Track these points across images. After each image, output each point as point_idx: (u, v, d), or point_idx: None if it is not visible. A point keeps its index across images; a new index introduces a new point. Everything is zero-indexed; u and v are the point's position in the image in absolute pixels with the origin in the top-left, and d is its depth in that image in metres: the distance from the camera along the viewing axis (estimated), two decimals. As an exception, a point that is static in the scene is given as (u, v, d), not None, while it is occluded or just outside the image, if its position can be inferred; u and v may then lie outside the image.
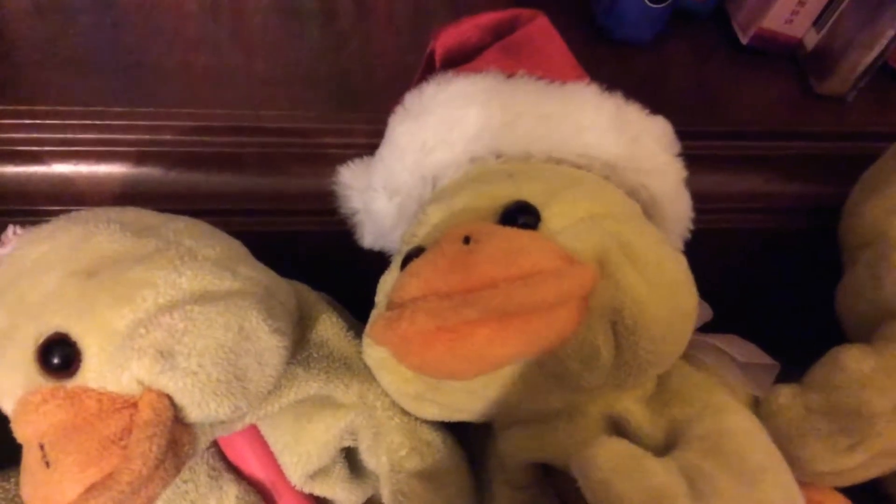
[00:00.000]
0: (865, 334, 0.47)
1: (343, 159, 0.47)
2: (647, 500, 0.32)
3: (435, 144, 0.40)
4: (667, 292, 0.35)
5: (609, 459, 0.33)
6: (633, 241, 0.35)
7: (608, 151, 0.39)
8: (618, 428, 0.39)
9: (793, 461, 0.47)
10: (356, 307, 0.45)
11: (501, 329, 0.32)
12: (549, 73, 0.41)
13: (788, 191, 0.54)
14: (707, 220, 0.53)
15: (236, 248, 0.38)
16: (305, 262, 0.47)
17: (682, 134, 0.53)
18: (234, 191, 0.49)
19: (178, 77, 0.52)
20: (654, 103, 0.55)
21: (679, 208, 0.42)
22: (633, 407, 0.39)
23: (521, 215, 0.36)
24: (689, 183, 0.52)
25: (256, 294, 0.35)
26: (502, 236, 0.34)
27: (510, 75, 0.40)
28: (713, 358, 0.43)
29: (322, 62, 0.55)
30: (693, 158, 0.53)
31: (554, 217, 0.36)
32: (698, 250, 0.53)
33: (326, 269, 0.48)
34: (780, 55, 0.57)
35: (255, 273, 0.37)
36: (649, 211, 0.42)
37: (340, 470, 0.43)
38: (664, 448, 0.38)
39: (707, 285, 0.49)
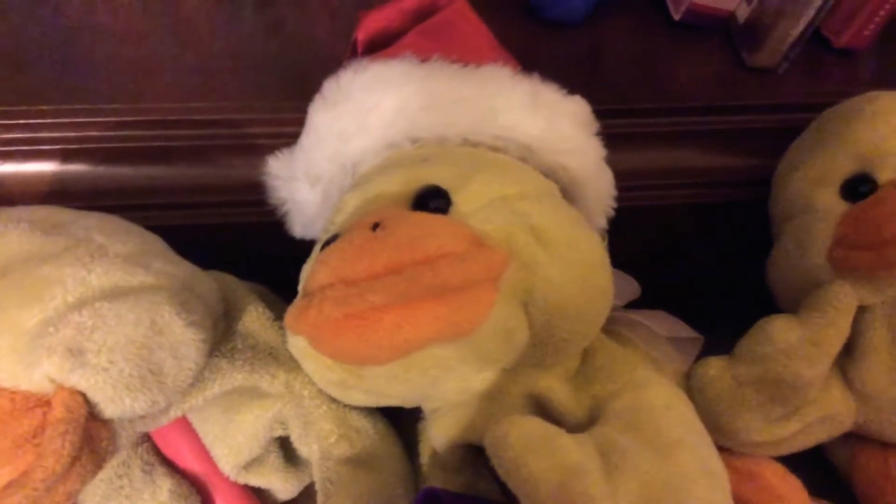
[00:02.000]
0: (795, 305, 0.47)
1: (273, 149, 0.47)
2: (559, 477, 0.32)
3: (353, 132, 0.40)
4: (579, 271, 0.35)
5: (521, 438, 0.33)
6: (544, 222, 0.35)
7: (524, 133, 0.39)
8: (541, 407, 0.40)
9: (727, 433, 0.48)
10: (293, 298, 0.45)
11: (409, 314, 0.32)
12: (465, 56, 0.41)
13: (723, 164, 0.54)
14: (642, 197, 0.54)
15: (151, 242, 0.38)
16: (239, 253, 0.47)
17: (616, 112, 0.54)
18: (163, 184, 0.49)
19: (106, 72, 0.52)
20: (590, 82, 0.55)
21: (600, 186, 0.42)
22: (555, 385, 0.39)
23: (431, 200, 0.36)
24: (625, 160, 0.52)
25: (170, 288, 0.35)
26: (411, 222, 0.34)
27: (425, 59, 0.40)
28: (638, 334, 0.43)
29: (255, 49, 0.55)
30: (628, 136, 0.54)
31: (465, 200, 0.36)
32: (632, 226, 0.54)
33: (262, 260, 0.48)
34: (712, 29, 0.57)
35: (170, 267, 0.37)
36: (570, 190, 0.42)
37: (275, 460, 0.43)
38: (587, 425, 0.38)
39: (639, 261, 0.50)
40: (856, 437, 0.53)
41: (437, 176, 0.36)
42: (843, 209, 0.46)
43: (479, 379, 0.39)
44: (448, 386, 0.39)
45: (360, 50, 0.45)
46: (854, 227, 0.44)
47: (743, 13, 0.56)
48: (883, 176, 0.45)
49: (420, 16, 0.44)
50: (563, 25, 0.57)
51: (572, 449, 0.33)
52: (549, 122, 0.40)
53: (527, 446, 0.33)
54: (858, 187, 0.46)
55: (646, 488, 0.34)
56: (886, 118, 0.47)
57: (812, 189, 0.47)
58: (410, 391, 0.39)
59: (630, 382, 0.39)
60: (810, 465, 0.56)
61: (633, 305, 0.47)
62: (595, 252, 0.37)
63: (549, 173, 0.41)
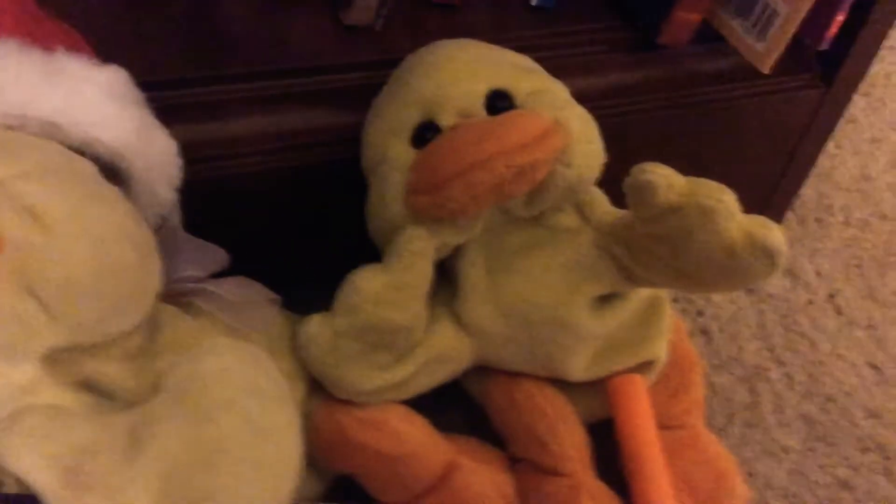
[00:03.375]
0: (388, 254, 0.49)
1: None
2: (68, 461, 0.31)
3: None
4: (87, 248, 0.34)
5: (27, 430, 0.32)
6: (43, 201, 0.34)
7: (40, 108, 0.37)
8: (97, 391, 0.38)
9: (340, 385, 0.48)
10: None
11: None
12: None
13: (327, 124, 0.55)
14: (246, 164, 0.53)
15: None
16: None
17: (212, 78, 0.53)
18: None
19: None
20: (187, 48, 0.54)
21: (150, 157, 0.41)
22: (105, 367, 0.38)
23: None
24: (218, 128, 0.52)
25: None
26: None
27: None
28: (215, 303, 0.43)
29: None
30: (227, 102, 0.53)
31: (-48, 186, 0.33)
32: (234, 196, 0.53)
33: None
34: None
35: None
36: (119, 165, 0.41)
37: None
38: (152, 402, 0.38)
39: (241, 229, 0.50)
40: (487, 370, 0.56)
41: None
42: (414, 157, 0.47)
43: (19, 372, 0.37)
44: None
45: None
46: (418, 172, 0.46)
47: (334, -28, 0.56)
48: (445, 122, 0.47)
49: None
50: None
51: (84, 429, 0.32)
52: (72, 95, 0.38)
53: (31, 435, 0.32)
54: (425, 134, 0.47)
55: (174, 455, 0.33)
56: (445, 65, 0.49)
57: (386, 140, 0.48)
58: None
59: (192, 353, 0.39)
60: (456, 402, 0.59)
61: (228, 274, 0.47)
62: (109, 227, 0.35)
63: (85, 148, 0.39)
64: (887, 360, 0.67)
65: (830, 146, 0.76)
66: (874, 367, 0.67)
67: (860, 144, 0.84)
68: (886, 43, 0.62)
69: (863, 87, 0.65)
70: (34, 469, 0.31)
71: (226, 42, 0.55)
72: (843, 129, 0.72)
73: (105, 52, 0.43)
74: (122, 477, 0.31)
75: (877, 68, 0.83)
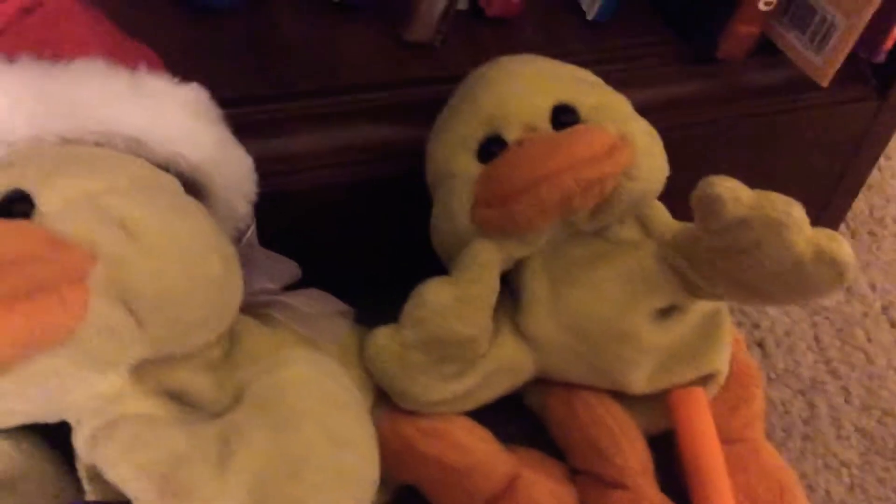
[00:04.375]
0: (454, 267, 0.49)
1: None
2: (163, 468, 0.32)
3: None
4: (176, 260, 0.35)
5: (124, 434, 0.33)
6: (134, 214, 0.35)
7: (127, 124, 0.38)
8: (181, 401, 0.39)
9: (406, 396, 0.49)
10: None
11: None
12: (62, 53, 0.39)
13: (388, 139, 0.55)
14: (312, 178, 0.54)
15: None
16: None
17: (279, 96, 0.54)
18: None
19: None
20: (252, 67, 0.55)
21: (229, 173, 0.42)
22: (191, 377, 0.39)
23: (14, 204, 0.34)
24: (297, 143, 0.53)
25: None
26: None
27: (13, 60, 0.38)
28: (288, 315, 0.43)
29: None
30: (291, 119, 0.54)
31: (47, 202, 0.35)
32: (302, 210, 0.54)
33: None
34: (370, 7, 0.58)
35: None
36: (197, 180, 0.42)
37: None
38: (236, 411, 0.38)
39: (307, 241, 0.50)
40: (546, 383, 0.56)
41: (19, 179, 0.35)
42: (480, 171, 0.48)
43: (107, 383, 0.37)
44: (76, 395, 0.37)
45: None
46: (485, 186, 0.46)
47: (395, -10, 0.57)
48: (511, 136, 0.48)
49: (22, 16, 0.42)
50: (220, 11, 0.56)
51: (178, 438, 0.33)
52: (156, 112, 0.39)
53: (129, 443, 0.32)
54: (491, 148, 0.48)
55: (261, 465, 0.34)
56: (510, 80, 0.49)
57: (453, 153, 0.49)
58: (35, 406, 0.37)
59: (272, 363, 0.40)
60: (516, 414, 0.59)
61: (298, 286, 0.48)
62: (197, 240, 0.36)
63: (169, 164, 0.40)
64: (945, 373, 0.66)
65: (881, 159, 0.75)
66: (931, 380, 0.66)
67: (911, 156, 0.83)
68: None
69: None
70: (131, 477, 0.32)
71: (288, 60, 0.56)
72: (892, 141, 0.72)
73: (178, 73, 0.44)
74: (215, 485, 0.32)
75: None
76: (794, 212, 0.43)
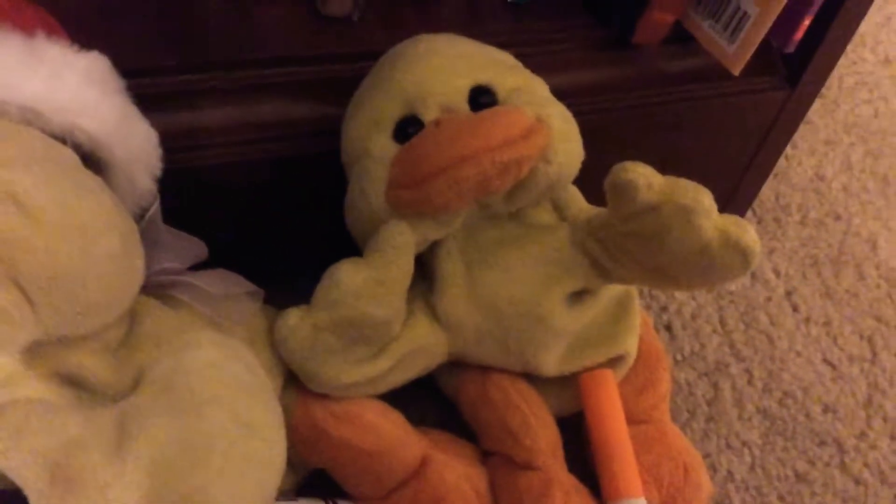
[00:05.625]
0: (368, 247, 0.48)
1: None
2: (57, 455, 0.31)
3: None
4: (74, 238, 0.33)
5: (12, 421, 0.31)
6: (28, 190, 0.33)
7: (21, 93, 0.36)
8: (76, 384, 0.37)
9: (318, 379, 0.48)
10: None
11: None
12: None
13: (303, 116, 0.54)
14: (222, 154, 0.52)
15: None
16: None
17: (187, 67, 0.52)
18: None
19: None
20: (162, 36, 0.52)
21: (132, 146, 0.40)
22: (87, 360, 0.37)
23: None
24: (208, 117, 0.51)
25: None
26: None
27: None
28: (194, 295, 0.42)
29: None
30: (202, 92, 0.52)
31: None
32: (211, 187, 0.52)
33: None
34: (287, -21, 0.57)
35: None
36: (99, 154, 0.40)
37: None
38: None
39: (214, 220, 0.49)
40: (459, 365, 0.56)
41: None
42: (396, 151, 0.47)
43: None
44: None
45: None
46: (401, 167, 0.46)
47: (313, -38, 0.56)
48: (427, 116, 0.47)
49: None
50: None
51: (72, 423, 0.32)
52: (52, 81, 0.37)
53: (18, 430, 0.31)
54: (407, 129, 0.47)
55: (161, 450, 0.33)
56: (428, 59, 0.48)
57: (368, 133, 0.48)
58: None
59: (175, 346, 0.38)
60: (428, 396, 0.59)
61: (204, 266, 0.46)
62: (96, 217, 0.35)
63: (66, 135, 0.38)
64: (842, 356, 0.69)
65: (787, 147, 0.78)
66: (829, 363, 0.69)
67: (815, 145, 0.86)
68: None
69: (818, 89, 0.67)
70: (20, 464, 0.30)
71: (201, 31, 0.54)
72: (799, 130, 0.74)
73: (79, 40, 0.42)
74: (111, 471, 0.31)
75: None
76: (702, 198, 0.44)
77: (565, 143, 0.47)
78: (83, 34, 0.42)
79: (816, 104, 0.88)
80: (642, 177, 0.44)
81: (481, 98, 0.47)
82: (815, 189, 0.82)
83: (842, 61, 0.91)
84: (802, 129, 0.85)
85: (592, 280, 0.51)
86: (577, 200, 0.53)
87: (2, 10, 0.39)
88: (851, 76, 0.94)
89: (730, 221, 0.44)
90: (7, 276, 0.32)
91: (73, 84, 0.37)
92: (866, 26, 0.99)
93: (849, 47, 0.85)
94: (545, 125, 0.45)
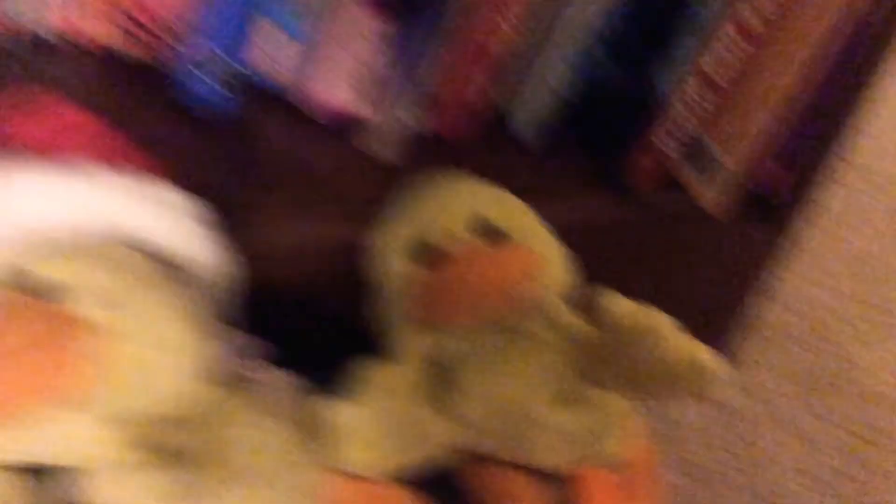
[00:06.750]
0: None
1: None
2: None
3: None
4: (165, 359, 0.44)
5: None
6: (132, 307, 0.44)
7: (127, 225, 0.47)
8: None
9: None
10: None
11: None
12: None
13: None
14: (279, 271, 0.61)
15: None
16: None
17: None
18: None
19: None
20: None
21: (209, 265, 0.51)
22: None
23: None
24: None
25: None
26: None
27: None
28: (250, 387, 0.51)
29: None
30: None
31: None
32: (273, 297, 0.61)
33: None
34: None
35: None
36: (187, 271, 0.50)
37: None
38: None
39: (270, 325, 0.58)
40: (462, 454, 0.61)
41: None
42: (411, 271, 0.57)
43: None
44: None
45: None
46: (424, 301, 0.56)
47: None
48: (436, 242, 0.57)
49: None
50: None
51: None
52: (152, 214, 0.48)
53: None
54: (421, 253, 0.57)
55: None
56: (435, 192, 0.59)
57: (386, 254, 0.58)
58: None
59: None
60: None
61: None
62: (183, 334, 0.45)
63: (164, 257, 0.49)
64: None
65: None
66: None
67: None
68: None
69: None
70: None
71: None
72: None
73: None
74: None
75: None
76: (664, 322, 0.52)
77: (558, 270, 0.57)
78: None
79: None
80: (616, 305, 0.53)
81: (487, 232, 0.56)
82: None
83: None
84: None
85: (582, 386, 0.58)
86: (566, 316, 0.60)
87: (118, 154, 0.51)
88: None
89: (691, 345, 0.53)
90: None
91: (169, 216, 0.48)
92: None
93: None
94: (544, 258, 0.55)
